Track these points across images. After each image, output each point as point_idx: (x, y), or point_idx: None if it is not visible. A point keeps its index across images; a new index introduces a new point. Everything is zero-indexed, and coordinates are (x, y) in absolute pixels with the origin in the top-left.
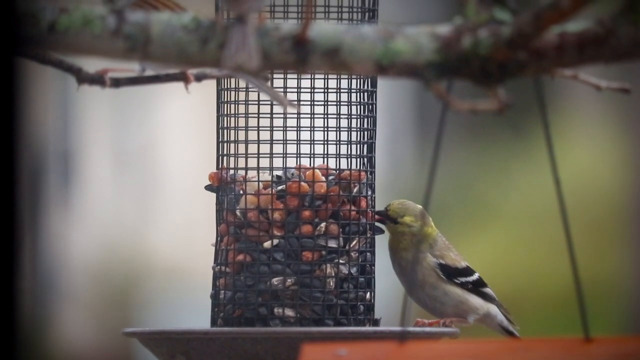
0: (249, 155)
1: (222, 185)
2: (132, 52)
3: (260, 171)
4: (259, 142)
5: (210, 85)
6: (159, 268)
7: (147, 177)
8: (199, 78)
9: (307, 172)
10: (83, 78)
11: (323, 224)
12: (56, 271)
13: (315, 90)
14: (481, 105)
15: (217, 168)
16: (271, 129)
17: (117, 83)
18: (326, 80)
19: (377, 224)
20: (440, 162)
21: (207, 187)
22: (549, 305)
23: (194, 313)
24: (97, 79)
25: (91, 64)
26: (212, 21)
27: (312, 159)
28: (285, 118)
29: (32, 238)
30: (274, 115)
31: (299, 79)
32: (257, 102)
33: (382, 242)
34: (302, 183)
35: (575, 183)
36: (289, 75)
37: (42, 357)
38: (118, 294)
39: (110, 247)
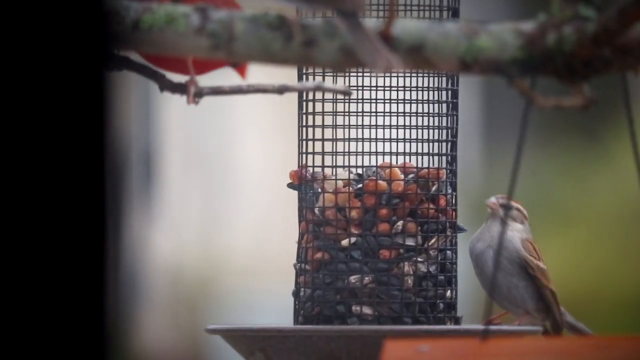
0: (327, 153)
1: (302, 183)
2: (216, 49)
3: (339, 169)
4: (335, 140)
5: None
6: (234, 269)
7: (223, 178)
8: (280, 91)
9: (386, 170)
10: (166, 85)
11: (400, 222)
12: (138, 273)
13: (399, 89)
14: (566, 102)
15: (298, 166)
16: (359, 126)
17: (199, 93)
18: (412, 78)
19: (459, 223)
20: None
21: (289, 185)
22: (626, 307)
23: (269, 313)
24: (179, 87)
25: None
26: (295, 19)
27: (395, 157)
28: (370, 124)
29: (115, 240)
30: (359, 114)
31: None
32: (343, 101)
33: (465, 241)
34: (380, 181)
35: None
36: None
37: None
38: (194, 295)
39: (187, 247)
